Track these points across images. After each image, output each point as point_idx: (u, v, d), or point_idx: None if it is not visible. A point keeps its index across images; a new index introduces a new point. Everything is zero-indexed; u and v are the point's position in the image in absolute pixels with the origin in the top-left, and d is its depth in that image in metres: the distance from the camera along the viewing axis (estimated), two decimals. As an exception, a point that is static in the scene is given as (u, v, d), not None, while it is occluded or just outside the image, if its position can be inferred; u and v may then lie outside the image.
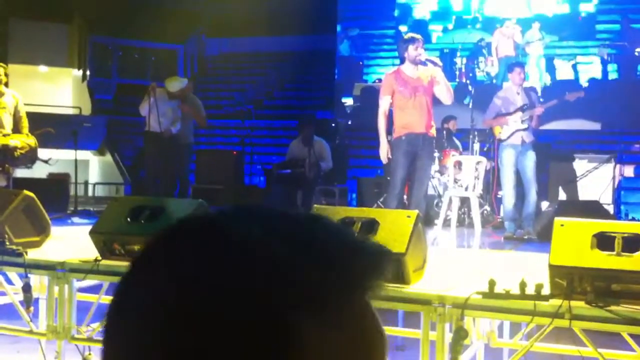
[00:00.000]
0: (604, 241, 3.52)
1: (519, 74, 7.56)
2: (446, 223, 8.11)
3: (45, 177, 10.66)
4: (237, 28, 15.71)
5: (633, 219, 8.72)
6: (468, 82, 12.25)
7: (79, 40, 15.99)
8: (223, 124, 14.00)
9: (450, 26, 13.13)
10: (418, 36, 6.40)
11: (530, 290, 3.54)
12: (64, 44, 15.98)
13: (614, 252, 3.40)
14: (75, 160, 9.26)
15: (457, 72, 12.58)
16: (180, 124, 8.50)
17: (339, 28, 14.09)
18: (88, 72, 15.98)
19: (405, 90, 6.22)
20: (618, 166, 9.50)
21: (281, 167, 9.63)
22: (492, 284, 3.57)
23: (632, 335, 3.82)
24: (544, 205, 7.94)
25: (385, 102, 6.44)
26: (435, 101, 6.49)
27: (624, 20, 12.29)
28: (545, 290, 3.52)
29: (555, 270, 3.41)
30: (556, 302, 3.42)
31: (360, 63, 13.94)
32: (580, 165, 8.65)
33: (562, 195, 8.61)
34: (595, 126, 11.94)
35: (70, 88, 16.14)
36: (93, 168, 14.39)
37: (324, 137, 9.93)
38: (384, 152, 6.42)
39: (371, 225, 3.87)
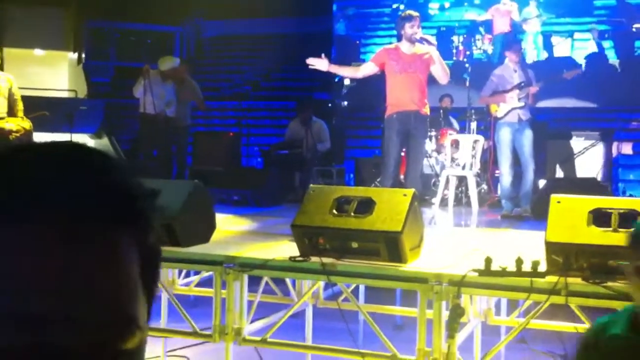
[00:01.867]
0: (600, 217, 3.52)
1: (516, 52, 7.54)
2: (443, 202, 8.12)
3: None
4: (234, 10, 15.62)
5: (631, 196, 8.73)
6: (465, 60, 12.20)
7: (75, 24, 15.90)
8: (221, 106, 13.96)
9: (447, 4, 13.05)
10: (415, 13, 6.37)
11: (526, 267, 3.54)
12: (60, 27, 15.89)
13: (611, 228, 3.40)
14: (72, 144, 9.22)
15: (454, 50, 12.52)
16: (175, 106, 8.49)
17: (335, 8, 14.00)
18: (84, 55, 15.90)
19: (396, 65, 6.19)
20: (616, 143, 9.50)
21: (279, 148, 9.63)
22: (488, 261, 3.58)
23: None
24: (541, 183, 7.94)
25: (366, 66, 6.46)
26: (433, 80, 6.47)
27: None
28: (542, 267, 3.53)
29: (552, 247, 3.41)
30: (552, 278, 3.43)
31: (357, 42, 13.88)
32: (578, 143, 8.64)
33: (560, 173, 8.61)
34: (593, 104, 11.91)
35: (66, 71, 16.07)
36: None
37: (322, 117, 9.91)
38: (321, 62, 6.40)
39: (367, 204, 3.88)
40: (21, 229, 0.53)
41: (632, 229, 1.91)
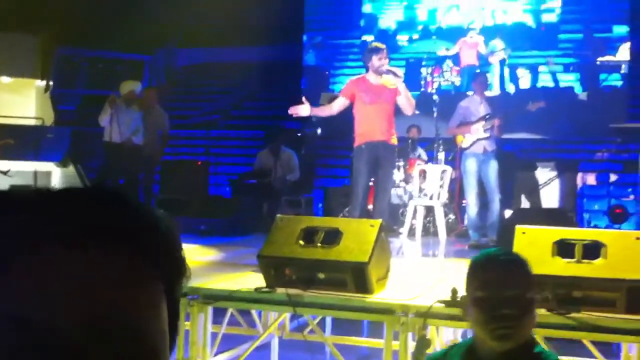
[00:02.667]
0: (564, 248, 3.55)
1: (482, 84, 7.66)
2: (411, 232, 8.13)
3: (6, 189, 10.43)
4: (206, 38, 15.65)
5: (595, 227, 8.84)
6: (433, 91, 12.35)
7: (45, 51, 15.77)
8: (189, 134, 13.91)
9: (416, 36, 13.23)
10: (382, 45, 6.44)
11: (492, 298, 3.56)
12: (30, 54, 15.74)
13: (575, 259, 3.43)
14: (35, 172, 9.11)
15: (423, 82, 12.67)
16: (142, 134, 8.42)
17: (305, 38, 14.10)
18: (51, 83, 15.75)
19: (366, 96, 6.25)
20: (580, 174, 9.64)
21: (247, 178, 9.59)
22: (454, 292, 3.57)
23: (593, 342, 3.85)
24: (508, 213, 8.00)
25: (339, 101, 6.49)
26: (401, 110, 6.52)
27: (586, 30, 12.50)
28: (508, 298, 3.54)
29: (517, 278, 3.43)
30: (518, 309, 3.44)
31: (327, 73, 13.97)
32: (543, 173, 8.76)
33: (525, 203, 8.69)
34: (558, 135, 12.10)
35: (33, 99, 15.89)
36: (56, 180, 14.15)
37: (291, 146, 9.90)
38: (301, 108, 6.46)
39: (335, 235, 3.86)
40: (81, 256, 0.54)
41: None
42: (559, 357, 3.61)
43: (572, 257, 3.46)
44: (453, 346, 2.10)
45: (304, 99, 6.43)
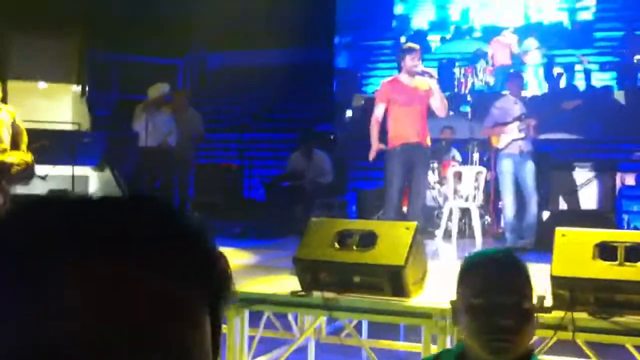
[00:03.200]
0: (606, 251, 3.47)
1: (517, 84, 7.56)
2: (446, 234, 8.06)
3: (45, 194, 10.60)
4: (237, 42, 15.72)
5: (635, 228, 8.66)
6: (467, 91, 12.23)
7: (78, 56, 15.98)
8: (222, 138, 13.98)
9: (449, 36, 13.12)
10: (416, 46, 6.41)
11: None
12: (63, 59, 15.96)
13: (617, 262, 3.35)
14: (73, 177, 9.23)
15: (456, 82, 12.56)
16: (175, 136, 8.46)
17: (336, 40, 14.08)
18: (87, 88, 15.97)
19: (400, 98, 6.22)
20: (619, 175, 9.45)
21: (280, 180, 9.60)
22: (493, 296, 3.53)
23: (636, 347, 3.76)
24: (545, 215, 7.88)
25: (379, 109, 6.43)
26: (433, 112, 6.48)
27: (624, 27, 12.27)
28: (548, 302, 3.47)
29: (557, 281, 3.36)
30: (559, 313, 3.37)
31: (359, 74, 13.93)
32: (581, 174, 8.60)
33: (563, 205, 8.55)
34: (595, 135, 11.89)
35: (69, 104, 16.11)
36: (93, 184, 14.33)
37: (323, 149, 9.89)
38: (373, 150, 6.40)
39: (369, 238, 3.83)
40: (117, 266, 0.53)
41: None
42: (602, 362, 3.54)
43: (614, 259, 3.38)
44: (442, 352, 1.96)
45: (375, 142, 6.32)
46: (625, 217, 9.64)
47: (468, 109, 8.36)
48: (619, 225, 8.54)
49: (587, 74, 12.38)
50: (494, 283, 1.67)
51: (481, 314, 1.65)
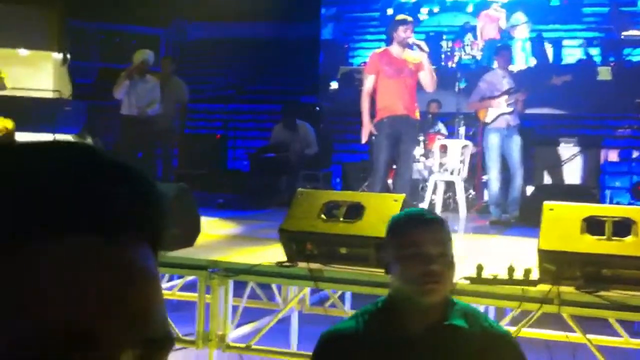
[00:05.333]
0: (593, 225, 3.46)
1: (505, 58, 7.51)
2: (431, 208, 8.05)
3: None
4: (220, 13, 15.49)
5: (618, 204, 8.71)
6: (454, 65, 12.17)
7: (60, 23, 15.70)
8: (206, 109, 13.85)
9: (437, 9, 13.02)
10: (409, 18, 6.35)
11: (518, 275, 3.48)
12: (45, 27, 15.68)
13: (604, 237, 3.34)
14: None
15: (443, 56, 12.48)
16: (159, 105, 8.31)
17: (323, 11, 13.93)
18: (69, 56, 15.71)
19: (389, 70, 6.15)
20: (603, 151, 9.49)
21: (265, 152, 9.52)
22: (479, 269, 3.51)
23: (619, 321, 3.78)
24: (529, 189, 7.90)
25: (369, 80, 6.35)
26: (420, 85, 6.42)
27: (611, 3, 12.24)
28: (534, 276, 3.46)
29: (545, 255, 3.35)
30: (544, 287, 3.36)
31: (346, 46, 13.81)
32: (565, 149, 8.62)
33: (547, 180, 8.57)
34: (580, 111, 11.91)
35: (51, 72, 15.86)
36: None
37: (308, 121, 9.81)
38: (365, 132, 6.34)
39: (357, 210, 3.80)
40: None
41: None
42: (587, 335, 3.54)
43: (602, 234, 3.37)
44: (357, 315, 2.06)
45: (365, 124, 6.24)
46: (608, 192, 9.71)
47: (455, 82, 8.28)
48: (601, 201, 8.59)
49: (575, 49, 12.37)
50: (422, 235, 1.93)
51: (416, 261, 1.89)
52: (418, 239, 1.92)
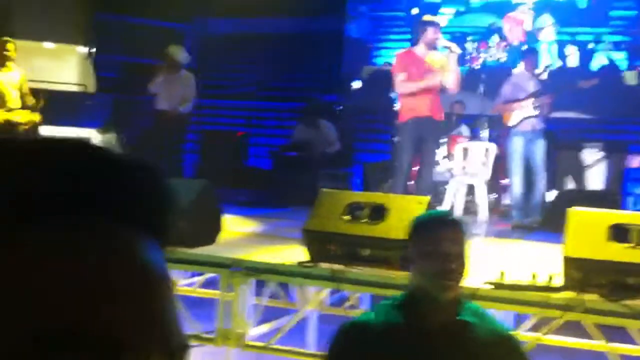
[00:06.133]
0: (619, 233, 3.42)
1: (532, 60, 7.44)
2: (451, 210, 8.00)
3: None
4: (244, 8, 15.51)
5: (640, 210, 8.61)
6: (478, 67, 12.09)
7: (85, 17, 15.82)
8: (228, 105, 13.88)
9: (462, 9, 12.93)
10: (439, 20, 6.36)
11: (541, 281, 3.45)
12: (70, 20, 15.81)
13: (631, 244, 3.30)
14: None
15: (468, 57, 12.40)
16: (191, 104, 8.25)
17: (348, 9, 13.89)
18: (94, 50, 15.83)
19: (414, 70, 6.13)
20: (627, 156, 9.38)
21: (287, 150, 9.52)
22: (502, 274, 3.49)
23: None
24: (551, 194, 7.83)
25: (401, 76, 6.28)
26: (443, 87, 6.39)
27: (638, 7, 12.08)
28: (557, 282, 3.43)
29: (570, 262, 3.31)
30: (568, 294, 3.33)
31: (369, 46, 13.76)
32: (589, 154, 8.53)
33: (570, 185, 8.49)
34: (605, 115, 11.78)
35: (75, 65, 15.99)
36: (96, 146, 14.26)
37: (329, 119, 9.80)
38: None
39: (380, 211, 3.78)
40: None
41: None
42: (609, 344, 3.50)
43: (628, 242, 3.33)
44: (376, 308, 2.20)
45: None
46: (631, 199, 9.59)
47: (480, 84, 8.23)
48: (624, 207, 8.50)
49: (601, 53, 12.23)
50: (446, 235, 2.07)
51: (437, 259, 2.02)
52: (440, 238, 2.06)
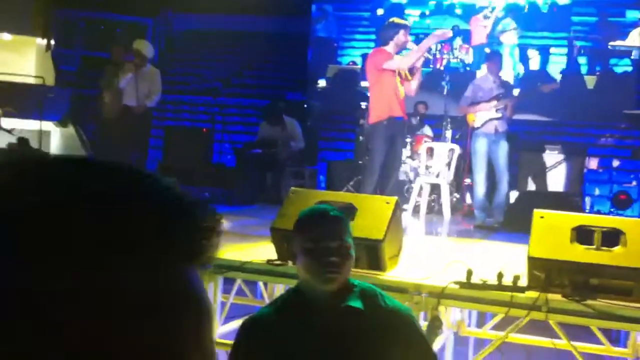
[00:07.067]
0: (582, 235, 3.50)
1: (496, 63, 7.56)
2: (415, 210, 8.09)
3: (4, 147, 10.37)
4: (209, 5, 15.40)
5: (598, 212, 8.81)
6: (442, 68, 12.21)
7: (45, 9, 15.54)
8: (191, 100, 13.78)
9: (428, 12, 13.06)
10: (409, 23, 6.41)
11: (507, 281, 3.51)
12: (29, 12, 15.51)
13: (594, 246, 3.38)
14: (40, 131, 9.00)
15: (432, 58, 12.53)
16: (157, 98, 8.18)
17: (313, 8, 13.91)
18: (52, 42, 15.55)
19: (389, 71, 6.17)
20: (586, 158, 9.58)
21: (252, 147, 9.49)
22: (469, 274, 3.54)
23: (602, 330, 3.83)
24: (513, 195, 7.96)
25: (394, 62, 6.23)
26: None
27: (599, 13, 12.35)
28: (522, 282, 3.50)
29: (534, 263, 3.38)
30: (533, 294, 3.40)
31: (335, 45, 13.80)
32: (550, 156, 8.70)
33: (531, 186, 8.65)
34: (565, 118, 12.02)
35: (34, 57, 15.69)
36: (55, 140, 14.04)
37: (295, 117, 9.80)
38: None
39: (348, 211, 3.80)
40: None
41: None
42: (572, 342, 3.58)
43: (591, 244, 3.41)
44: (275, 302, 2.32)
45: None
46: (588, 199, 9.80)
47: (444, 85, 8.33)
48: (582, 209, 8.69)
49: (562, 57, 12.47)
50: (323, 231, 2.16)
51: (316, 254, 2.11)
52: (318, 234, 2.15)
